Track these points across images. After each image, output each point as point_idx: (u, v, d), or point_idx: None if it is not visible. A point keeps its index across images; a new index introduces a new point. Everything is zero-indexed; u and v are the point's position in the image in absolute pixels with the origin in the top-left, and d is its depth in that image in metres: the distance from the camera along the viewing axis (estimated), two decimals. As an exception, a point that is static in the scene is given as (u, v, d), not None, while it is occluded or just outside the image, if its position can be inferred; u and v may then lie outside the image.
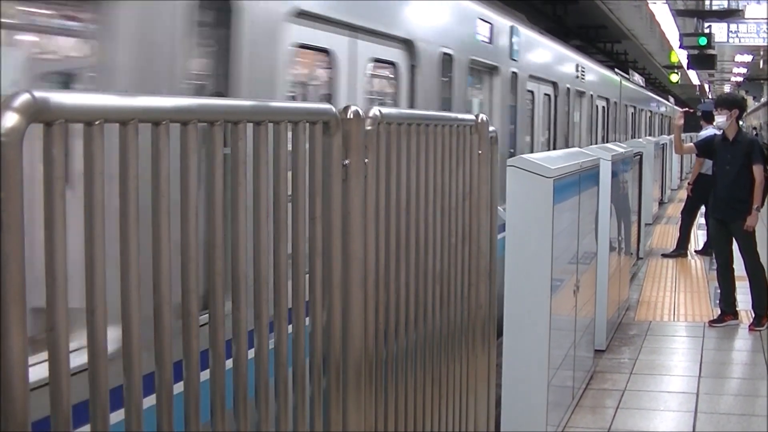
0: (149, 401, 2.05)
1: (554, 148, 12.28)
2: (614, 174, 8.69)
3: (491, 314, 4.61)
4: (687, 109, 12.70)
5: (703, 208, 13.83)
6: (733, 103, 9.35)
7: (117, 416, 1.99)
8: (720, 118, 9.35)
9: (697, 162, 13.53)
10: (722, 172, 9.28)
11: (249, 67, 4.42)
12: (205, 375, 2.23)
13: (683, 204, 14.64)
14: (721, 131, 9.46)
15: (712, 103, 13.58)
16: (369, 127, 3.02)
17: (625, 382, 7.37)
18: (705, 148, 9.90)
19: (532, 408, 5.67)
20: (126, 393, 1.97)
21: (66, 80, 3.73)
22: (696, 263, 13.56)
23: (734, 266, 9.35)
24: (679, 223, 14.46)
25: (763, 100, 56.43)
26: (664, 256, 14.09)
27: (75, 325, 1.89)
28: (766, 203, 9.42)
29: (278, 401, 2.59)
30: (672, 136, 12.65)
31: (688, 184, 14.43)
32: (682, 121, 10.19)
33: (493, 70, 9.26)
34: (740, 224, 9.02)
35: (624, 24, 24.37)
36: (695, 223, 14.53)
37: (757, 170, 9.03)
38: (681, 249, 14.14)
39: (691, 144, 10.26)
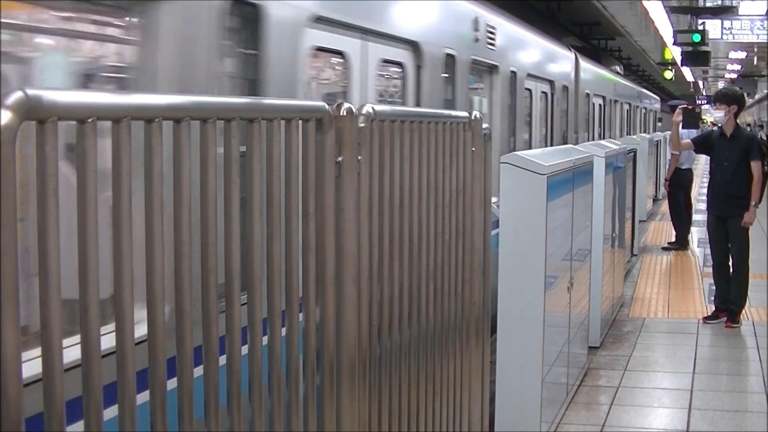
0: (142, 398, 2.05)
1: (604, 137, 18.82)
2: (608, 171, 8.70)
3: (485, 311, 4.62)
4: (686, 105, 12.60)
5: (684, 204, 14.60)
6: (731, 99, 9.23)
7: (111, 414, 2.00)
8: (718, 114, 9.30)
9: (674, 158, 13.98)
10: (720, 168, 9.22)
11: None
12: (198, 372, 2.23)
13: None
14: (719, 127, 9.41)
15: (679, 101, 15.63)
16: (362, 124, 3.03)
17: (619, 378, 7.38)
18: (702, 144, 9.83)
19: (526, 405, 5.68)
20: (119, 389, 1.97)
21: None
22: (690, 259, 13.59)
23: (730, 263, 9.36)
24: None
25: (757, 96, 56.47)
26: (664, 248, 14.44)
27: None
28: (763, 199, 9.41)
29: (272, 398, 2.60)
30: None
31: (665, 180, 14.79)
32: (680, 118, 10.12)
33: (640, 108, 16.71)
34: (738, 220, 8.99)
35: (618, 21, 24.36)
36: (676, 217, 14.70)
37: (756, 166, 8.98)
38: (680, 243, 14.36)
39: (689, 140, 10.17)
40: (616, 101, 21.84)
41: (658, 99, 36.66)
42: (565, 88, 14.04)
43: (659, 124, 35.82)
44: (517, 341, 5.65)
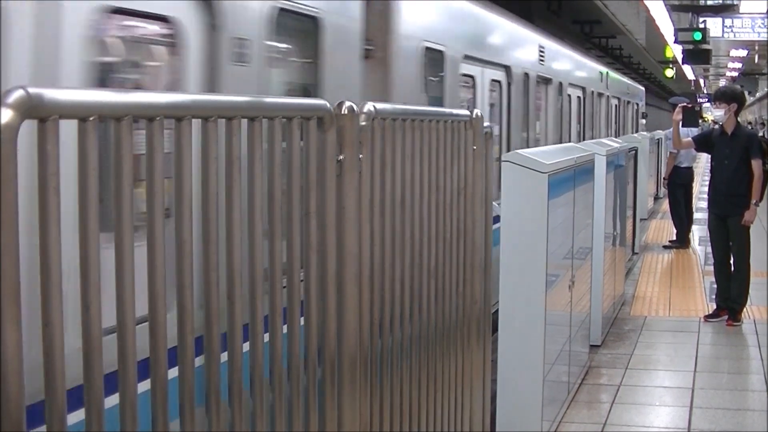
0: (143, 396, 2.05)
1: (509, 147, 14.43)
2: (609, 169, 8.69)
3: (486, 309, 4.61)
4: (685, 103, 12.55)
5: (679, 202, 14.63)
6: (731, 97, 9.20)
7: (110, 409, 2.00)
8: (718, 112, 9.29)
9: (671, 156, 14.04)
10: (721, 166, 9.20)
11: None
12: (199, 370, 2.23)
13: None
14: (719, 125, 9.39)
15: (680, 98, 15.37)
16: (363, 123, 3.03)
17: (620, 377, 7.38)
18: (703, 143, 9.80)
19: (527, 403, 5.67)
20: (120, 382, 1.97)
21: None
22: (691, 258, 13.58)
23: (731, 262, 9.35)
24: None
25: (758, 95, 56.46)
26: (665, 247, 14.44)
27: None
28: (764, 198, 9.40)
29: (274, 396, 2.60)
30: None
31: (664, 179, 14.86)
32: (680, 116, 10.10)
33: (609, 98, 19.72)
34: (738, 219, 8.97)
35: (618, 19, 24.36)
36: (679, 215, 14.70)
37: (756, 164, 8.95)
38: (680, 242, 14.38)
39: (689, 138, 10.15)
40: (548, 81, 12.70)
41: (642, 88, 29.01)
42: (310, 20, 5.05)
43: (643, 121, 27.95)
44: (518, 340, 5.65)
